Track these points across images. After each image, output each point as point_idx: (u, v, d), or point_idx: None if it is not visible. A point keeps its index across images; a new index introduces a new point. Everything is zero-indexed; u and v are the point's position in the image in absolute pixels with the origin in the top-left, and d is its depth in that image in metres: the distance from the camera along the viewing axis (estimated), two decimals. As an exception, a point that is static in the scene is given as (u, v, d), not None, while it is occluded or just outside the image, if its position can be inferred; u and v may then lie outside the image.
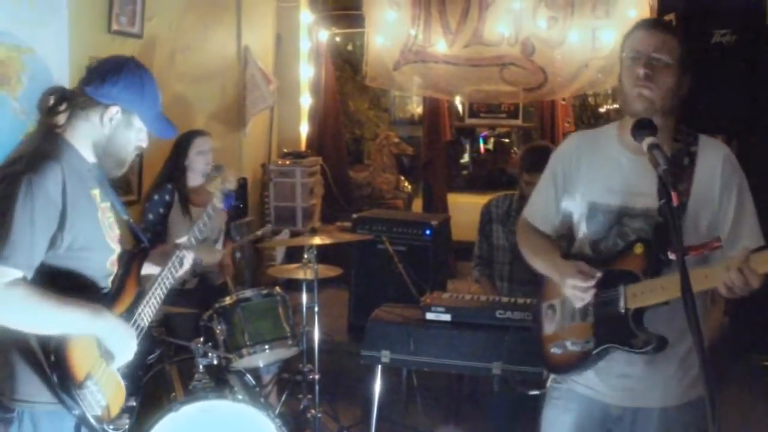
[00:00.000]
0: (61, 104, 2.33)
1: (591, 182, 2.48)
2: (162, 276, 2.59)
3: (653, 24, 2.41)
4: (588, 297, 2.36)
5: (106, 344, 2.28)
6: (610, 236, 2.44)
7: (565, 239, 2.63)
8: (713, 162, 2.37)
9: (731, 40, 4.69)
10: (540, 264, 2.58)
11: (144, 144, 2.43)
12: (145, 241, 2.61)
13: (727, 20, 4.69)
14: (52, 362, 2.16)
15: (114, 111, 2.31)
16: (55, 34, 4.55)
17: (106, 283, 2.40)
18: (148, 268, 2.65)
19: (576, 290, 2.35)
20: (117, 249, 2.44)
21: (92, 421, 2.23)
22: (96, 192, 2.36)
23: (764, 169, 4.87)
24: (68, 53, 4.64)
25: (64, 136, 2.32)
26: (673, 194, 1.84)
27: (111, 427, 2.32)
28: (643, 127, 2.10)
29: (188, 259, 2.71)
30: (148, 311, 2.50)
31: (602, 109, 12.34)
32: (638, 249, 2.33)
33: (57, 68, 4.55)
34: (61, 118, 2.33)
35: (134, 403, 2.42)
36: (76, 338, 2.20)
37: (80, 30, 4.77)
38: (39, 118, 2.36)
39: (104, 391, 2.29)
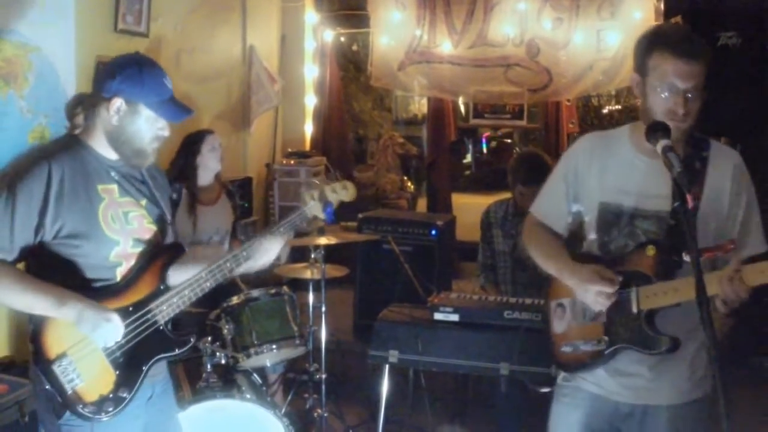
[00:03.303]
0: (78, 107, 2.51)
1: (603, 183, 2.49)
2: (196, 278, 2.53)
3: (690, 54, 2.28)
4: (610, 302, 2.37)
5: (79, 329, 2.32)
6: (621, 237, 2.46)
7: (574, 238, 2.64)
8: (724, 168, 2.39)
9: (737, 42, 4.69)
10: (552, 266, 2.57)
11: (164, 133, 2.49)
12: (181, 240, 2.64)
13: (733, 23, 4.69)
14: (30, 333, 2.35)
15: (118, 102, 2.39)
16: (62, 33, 4.56)
17: (112, 274, 2.45)
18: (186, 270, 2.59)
19: (600, 296, 2.36)
20: (126, 241, 2.46)
21: (59, 398, 2.32)
22: (110, 187, 2.46)
23: (768, 171, 4.89)
24: (75, 52, 4.66)
25: (81, 137, 2.47)
26: (688, 197, 1.86)
27: (87, 410, 2.34)
28: (657, 130, 2.11)
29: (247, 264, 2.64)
30: (166, 309, 2.48)
31: (605, 110, 12.36)
32: (650, 251, 2.34)
33: (63, 67, 4.57)
34: (80, 120, 2.49)
35: (125, 395, 2.39)
36: (58, 317, 2.33)
37: (87, 29, 4.78)
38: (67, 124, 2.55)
39: (81, 372, 2.34)
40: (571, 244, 2.63)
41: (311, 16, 8.26)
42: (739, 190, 2.38)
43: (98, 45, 4.90)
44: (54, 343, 2.34)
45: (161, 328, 2.48)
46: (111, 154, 2.48)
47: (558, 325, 2.60)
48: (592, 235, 2.53)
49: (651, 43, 2.35)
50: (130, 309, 2.43)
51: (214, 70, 6.65)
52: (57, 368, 2.33)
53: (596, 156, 2.53)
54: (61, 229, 2.35)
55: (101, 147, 2.46)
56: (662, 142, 2.05)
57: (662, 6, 6.53)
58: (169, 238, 2.63)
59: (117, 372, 2.40)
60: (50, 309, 2.30)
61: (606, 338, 2.42)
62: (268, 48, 7.62)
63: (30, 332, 2.35)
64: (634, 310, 2.34)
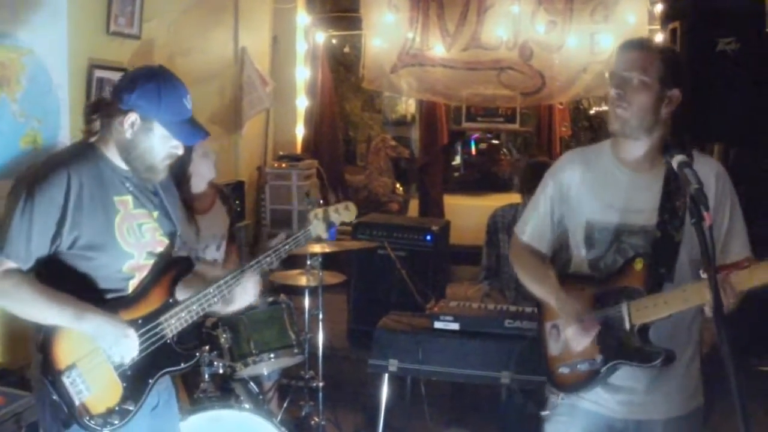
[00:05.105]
0: (95, 113, 2.46)
1: (588, 200, 2.48)
2: (205, 293, 2.54)
3: (629, 44, 2.42)
4: (586, 343, 2.39)
5: (97, 342, 2.34)
6: (609, 254, 2.45)
7: (560, 257, 2.63)
8: (707, 179, 2.36)
9: (735, 48, 4.69)
10: (538, 290, 2.57)
11: (178, 151, 2.48)
12: (189, 251, 2.65)
13: (732, 29, 4.68)
14: (40, 343, 2.33)
15: (132, 117, 2.38)
16: (54, 35, 4.50)
17: (124, 285, 2.46)
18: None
19: (575, 337, 2.39)
20: (140, 254, 2.47)
21: (65, 409, 2.32)
22: (125, 198, 2.46)
23: (764, 177, 4.90)
24: (67, 55, 4.60)
25: (97, 144, 2.45)
26: (706, 214, 1.84)
27: (93, 422, 2.33)
28: (672, 146, 2.10)
29: (250, 285, 2.69)
30: (174, 323, 2.49)
31: (592, 112, 12.35)
32: (638, 264, 2.35)
33: (56, 70, 4.51)
34: (96, 126, 2.45)
35: (131, 408, 2.39)
36: (68, 328, 2.33)
37: (79, 31, 4.72)
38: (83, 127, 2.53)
39: (90, 384, 2.34)
40: (559, 262, 2.62)
41: (303, 17, 8.22)
42: (722, 200, 2.39)
43: (90, 47, 4.85)
44: (64, 353, 2.33)
45: (168, 341, 2.49)
46: (126, 165, 2.48)
47: (554, 347, 2.58)
48: (580, 254, 2.52)
49: None
50: (140, 322, 2.43)
51: (206, 72, 6.59)
52: (66, 379, 2.32)
53: (580, 173, 2.52)
54: (77, 240, 2.34)
55: (116, 157, 2.45)
56: (678, 158, 2.04)
57: (656, 10, 6.55)
58: (178, 251, 2.63)
59: (124, 384, 2.40)
60: (68, 322, 2.30)
61: (601, 356, 2.41)
62: (259, 50, 7.56)
63: (39, 341, 2.33)
64: (627, 325, 2.34)
